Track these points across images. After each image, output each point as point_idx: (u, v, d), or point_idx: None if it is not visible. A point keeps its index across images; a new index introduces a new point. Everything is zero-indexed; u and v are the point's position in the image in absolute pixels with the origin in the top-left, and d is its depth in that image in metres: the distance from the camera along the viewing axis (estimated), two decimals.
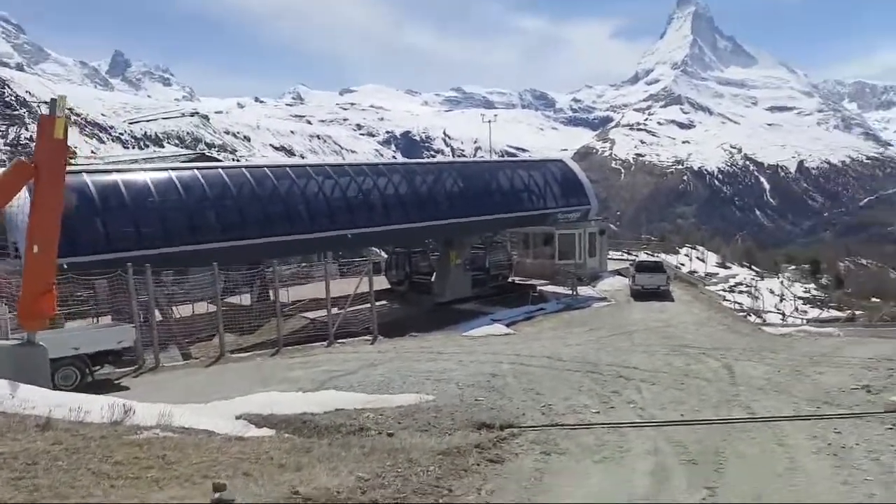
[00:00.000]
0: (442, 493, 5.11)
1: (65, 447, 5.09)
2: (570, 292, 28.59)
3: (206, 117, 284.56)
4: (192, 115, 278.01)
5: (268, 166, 22.61)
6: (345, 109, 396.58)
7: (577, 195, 31.63)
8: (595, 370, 13.55)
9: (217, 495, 4.16)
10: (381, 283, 30.63)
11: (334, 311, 20.47)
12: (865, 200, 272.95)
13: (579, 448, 7.31)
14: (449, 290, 28.45)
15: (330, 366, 15.02)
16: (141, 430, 6.13)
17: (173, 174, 20.54)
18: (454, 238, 28.06)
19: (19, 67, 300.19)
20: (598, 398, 10.41)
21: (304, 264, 31.19)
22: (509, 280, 31.83)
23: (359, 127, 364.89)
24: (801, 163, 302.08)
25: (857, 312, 52.67)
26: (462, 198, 27.46)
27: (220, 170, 21.49)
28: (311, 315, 24.73)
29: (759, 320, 38.62)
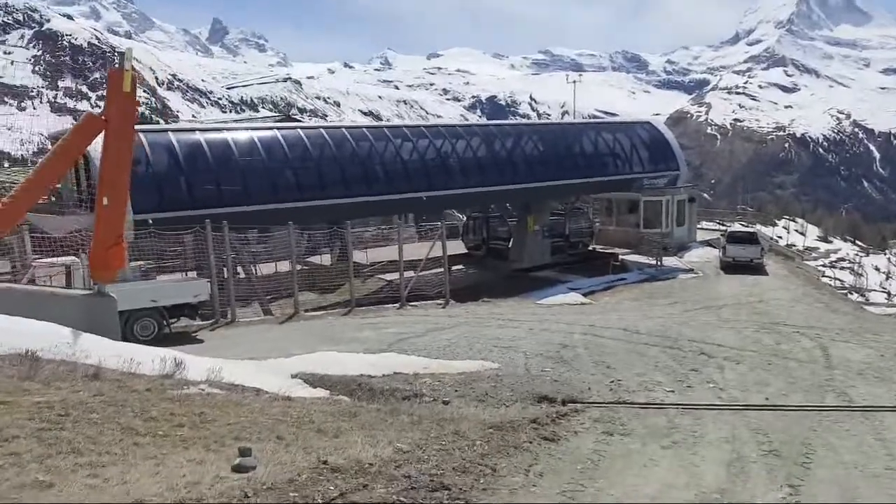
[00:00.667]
0: (484, 471, 4.70)
1: (104, 399, 5.01)
2: (654, 262, 27.35)
3: (298, 83, 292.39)
4: (285, 80, 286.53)
5: (346, 127, 22.58)
6: (431, 74, 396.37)
7: (666, 160, 29.91)
8: (674, 345, 12.72)
9: (238, 461, 3.94)
10: (459, 247, 30.45)
11: (408, 274, 20.38)
12: None
13: (647, 430, 6.70)
14: (527, 256, 27.82)
15: (399, 328, 14.89)
16: (188, 385, 6.06)
17: (255, 134, 20.81)
18: (533, 203, 27.26)
19: (127, 35, 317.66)
20: (675, 376, 9.67)
21: (384, 227, 31.44)
22: (590, 248, 30.76)
23: (445, 92, 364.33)
24: None
25: None
26: (542, 161, 26.51)
27: (299, 131, 21.60)
28: (388, 277, 24.91)
29: (861, 299, 35.78)
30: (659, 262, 27.10)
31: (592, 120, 32.16)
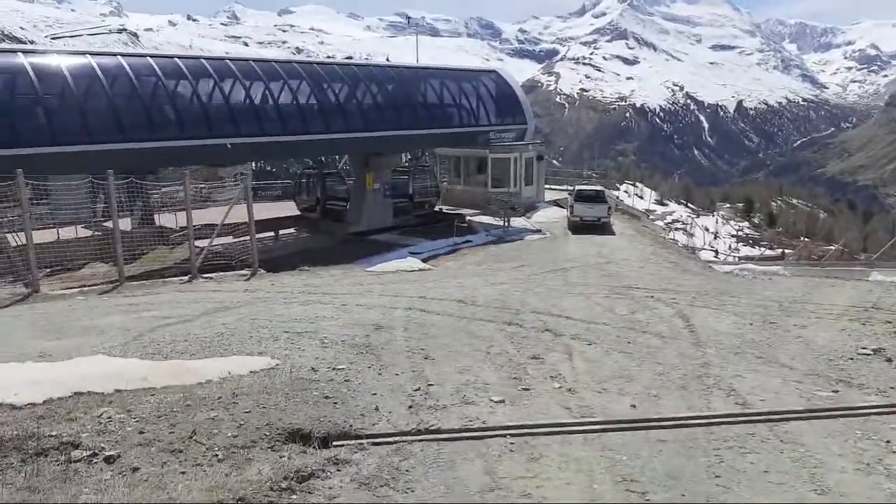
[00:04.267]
0: None
1: None
2: (501, 224, 25.43)
3: (134, 34, 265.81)
4: (119, 31, 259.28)
5: (123, 55, 17.66)
6: (283, 31, 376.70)
7: (513, 113, 27.80)
8: (515, 320, 10.27)
9: None
10: (292, 209, 26.88)
11: (203, 242, 16.54)
12: (799, 142, 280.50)
13: (442, 496, 3.84)
14: (366, 218, 24.77)
15: (167, 309, 11.19)
16: None
17: (26, 60, 15.55)
18: (371, 157, 24.09)
19: None
20: (509, 369, 7.02)
21: (203, 184, 27.01)
22: (436, 209, 28.33)
23: (298, 51, 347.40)
24: (740, 103, 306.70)
25: (787, 251, 52.41)
26: (379, 109, 23.28)
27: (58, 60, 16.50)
28: (203, 243, 20.91)
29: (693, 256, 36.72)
30: (506, 224, 25.26)
31: (435, 65, 29.26)
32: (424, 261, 19.55)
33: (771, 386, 6.45)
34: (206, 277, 15.45)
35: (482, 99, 26.86)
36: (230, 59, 19.62)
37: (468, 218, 26.90)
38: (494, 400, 5.75)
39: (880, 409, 5.75)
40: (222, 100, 18.79)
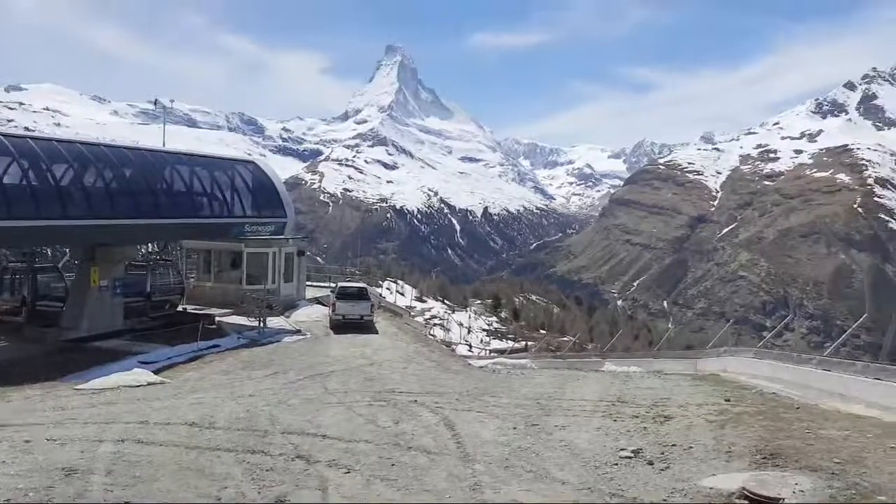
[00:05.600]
0: None
1: None
2: (256, 324, 23.19)
3: None
4: None
5: None
6: (10, 109, 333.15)
7: (272, 205, 26.31)
8: (260, 446, 8.60)
9: None
10: None
11: None
12: (534, 245, 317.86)
13: None
14: (86, 321, 20.76)
15: None
16: None
17: None
18: (98, 248, 20.61)
19: None
20: None
21: None
22: (180, 308, 25.06)
23: (28, 131, 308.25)
24: (485, 209, 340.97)
25: (530, 343, 57.26)
26: (110, 194, 20.18)
27: None
28: None
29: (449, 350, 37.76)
30: (262, 324, 23.07)
31: (185, 151, 26.84)
32: (157, 372, 16.54)
33: None
34: None
35: (238, 190, 25.02)
36: None
37: (218, 319, 24.15)
38: None
39: None
40: None
